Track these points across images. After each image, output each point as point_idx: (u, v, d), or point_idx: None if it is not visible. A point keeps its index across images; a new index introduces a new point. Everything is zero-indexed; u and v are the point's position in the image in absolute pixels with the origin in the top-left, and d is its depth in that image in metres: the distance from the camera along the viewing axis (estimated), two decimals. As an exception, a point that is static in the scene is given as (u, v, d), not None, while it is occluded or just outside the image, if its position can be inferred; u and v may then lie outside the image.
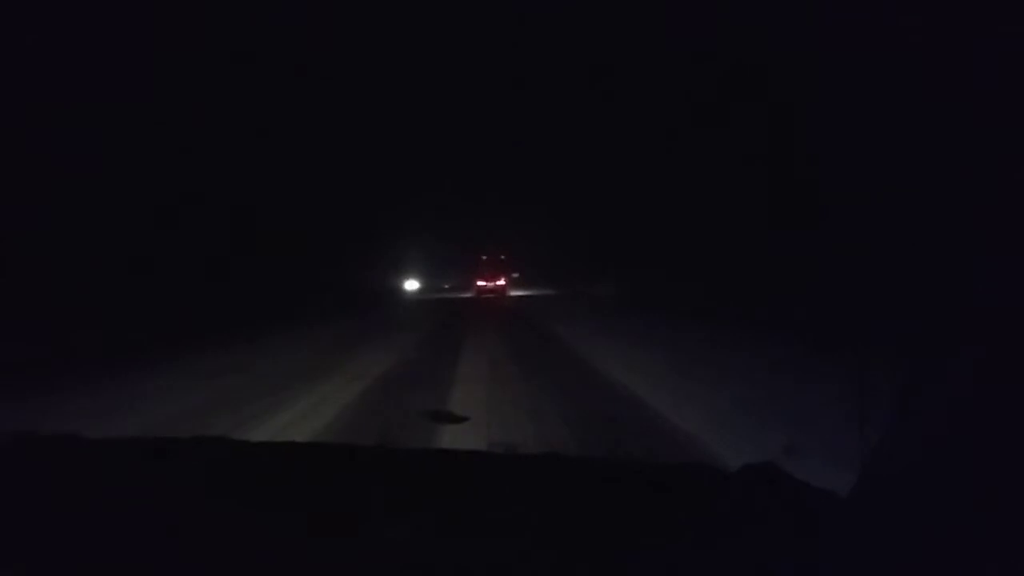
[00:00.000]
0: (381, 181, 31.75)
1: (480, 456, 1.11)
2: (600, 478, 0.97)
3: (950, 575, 0.59)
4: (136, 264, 12.96)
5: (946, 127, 10.62)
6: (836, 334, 8.38)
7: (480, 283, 26.36)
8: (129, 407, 4.96)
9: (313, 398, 5.00)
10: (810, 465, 1.43)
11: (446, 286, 38.26)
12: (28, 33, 11.02)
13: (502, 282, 26.72)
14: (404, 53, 38.77)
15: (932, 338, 0.72)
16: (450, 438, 3.74)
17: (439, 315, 15.91)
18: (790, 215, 15.11)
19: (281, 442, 1.32)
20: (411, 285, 33.01)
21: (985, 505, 0.59)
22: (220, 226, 16.17)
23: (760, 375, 6.02)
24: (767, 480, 0.84)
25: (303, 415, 4.47)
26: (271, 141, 19.01)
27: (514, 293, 27.13)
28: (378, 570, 0.63)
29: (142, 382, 6.22)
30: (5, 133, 10.26)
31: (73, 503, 0.78)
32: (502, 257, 28.92)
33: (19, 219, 10.33)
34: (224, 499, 0.82)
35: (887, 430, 0.72)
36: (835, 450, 1.85)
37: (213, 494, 0.84)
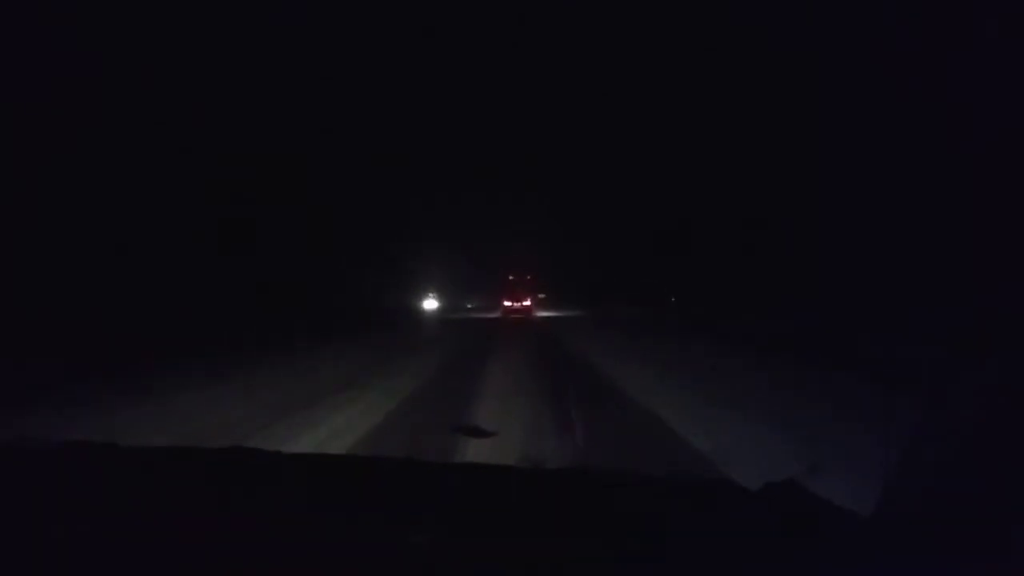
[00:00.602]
0: (396, 197, 31.67)
1: (506, 470, 1.11)
2: (624, 493, 0.97)
3: None
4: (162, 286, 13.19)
5: (950, 129, 10.61)
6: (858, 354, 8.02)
7: (507, 303, 26.17)
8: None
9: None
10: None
11: (469, 306, 37.56)
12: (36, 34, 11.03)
13: (528, 303, 26.73)
14: (424, 63, 38.88)
15: (954, 357, 0.72)
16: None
17: (453, 343, 12.45)
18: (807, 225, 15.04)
19: (311, 454, 1.34)
20: (430, 304, 31.47)
21: (1006, 522, 0.59)
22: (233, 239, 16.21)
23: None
24: (788, 498, 0.85)
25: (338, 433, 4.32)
26: (284, 153, 18.99)
27: (541, 314, 26.70)
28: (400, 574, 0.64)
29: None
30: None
31: (98, 510, 0.79)
32: (528, 277, 28.96)
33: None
34: (250, 508, 0.83)
35: (909, 451, 0.72)
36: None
37: (241, 504, 0.86)
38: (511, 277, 28.44)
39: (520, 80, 48.01)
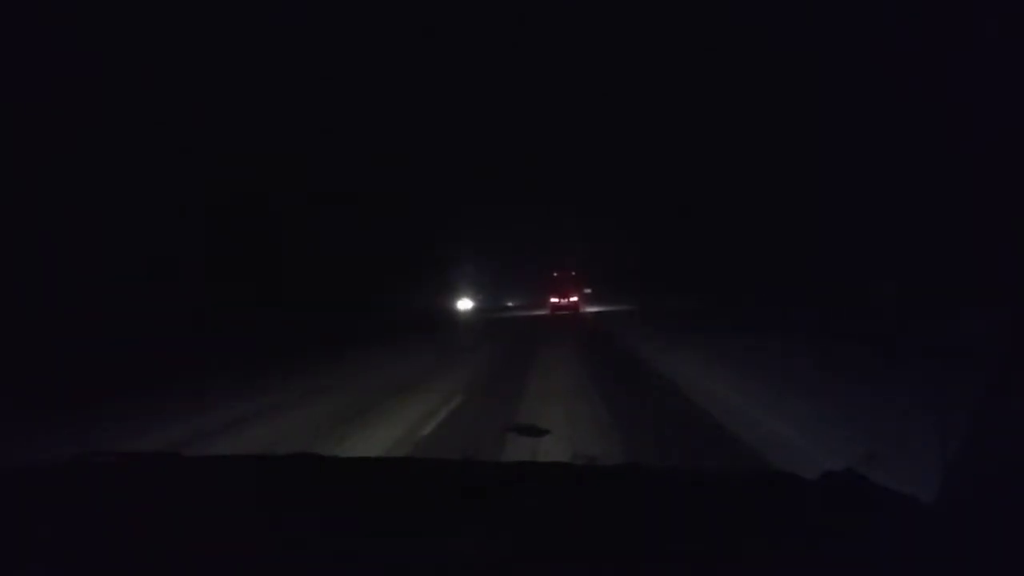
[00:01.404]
0: (434, 196, 31.50)
1: (561, 467, 1.11)
2: (681, 489, 0.97)
3: None
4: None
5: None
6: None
7: (553, 300, 25.88)
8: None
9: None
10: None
11: (510, 304, 37.13)
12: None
13: (575, 298, 26.25)
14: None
15: (1015, 347, 0.71)
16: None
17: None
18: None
19: (370, 457, 1.34)
20: (464, 305, 31.30)
21: None
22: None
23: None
24: (849, 487, 0.84)
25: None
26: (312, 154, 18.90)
27: (589, 309, 26.20)
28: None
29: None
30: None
31: (159, 522, 0.80)
32: (573, 273, 28.42)
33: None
34: (312, 513, 0.84)
35: (971, 436, 0.71)
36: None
37: (303, 508, 0.87)
38: (556, 273, 27.95)
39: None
